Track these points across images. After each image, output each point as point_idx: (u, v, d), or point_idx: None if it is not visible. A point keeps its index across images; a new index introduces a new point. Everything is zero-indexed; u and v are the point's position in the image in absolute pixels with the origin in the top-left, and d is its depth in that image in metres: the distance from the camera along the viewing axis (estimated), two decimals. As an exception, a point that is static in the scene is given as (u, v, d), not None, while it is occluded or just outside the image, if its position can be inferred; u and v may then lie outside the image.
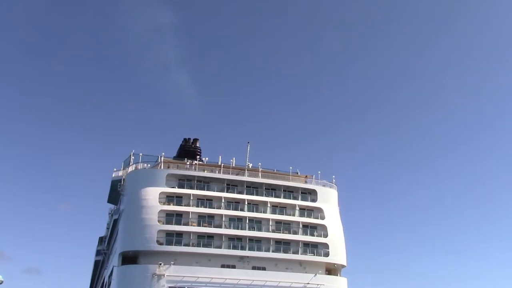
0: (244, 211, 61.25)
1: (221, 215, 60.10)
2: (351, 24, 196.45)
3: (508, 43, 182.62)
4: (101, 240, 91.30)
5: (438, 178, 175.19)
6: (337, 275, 62.78)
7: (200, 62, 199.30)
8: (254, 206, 62.30)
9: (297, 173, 69.99)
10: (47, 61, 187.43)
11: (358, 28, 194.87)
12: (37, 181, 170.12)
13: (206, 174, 63.20)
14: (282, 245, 60.76)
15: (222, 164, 65.12)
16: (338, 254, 62.39)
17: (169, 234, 57.58)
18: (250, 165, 67.37)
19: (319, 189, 66.23)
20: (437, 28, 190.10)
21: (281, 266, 59.72)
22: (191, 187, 61.70)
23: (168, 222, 58.15)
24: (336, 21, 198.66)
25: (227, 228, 59.63)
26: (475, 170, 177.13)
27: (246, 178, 63.92)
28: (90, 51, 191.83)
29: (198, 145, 75.56)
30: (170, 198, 60.08)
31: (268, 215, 61.75)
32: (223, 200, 61.15)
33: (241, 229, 59.84)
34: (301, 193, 65.62)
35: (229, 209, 60.99)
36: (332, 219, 64.41)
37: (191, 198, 60.40)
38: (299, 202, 64.32)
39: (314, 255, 61.21)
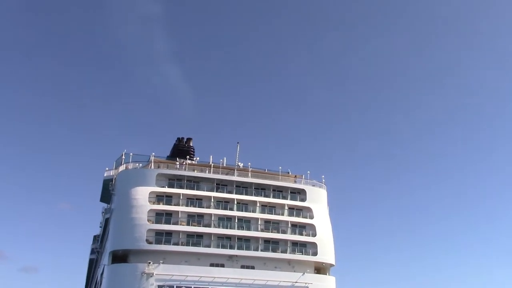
0: (233, 210, 61.94)
1: (210, 215, 60.78)
2: (351, 23, 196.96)
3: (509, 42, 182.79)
4: (95, 238, 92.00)
5: (435, 179, 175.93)
6: (326, 274, 63.50)
7: (194, 60, 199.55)
8: (243, 205, 62.98)
9: (288, 172, 70.73)
10: (38, 59, 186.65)
11: (358, 28, 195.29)
12: (35, 180, 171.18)
13: (196, 174, 63.87)
14: (271, 244, 61.45)
15: (212, 164, 65.71)
16: (326, 253, 63.06)
17: (158, 233, 58.27)
18: (241, 165, 68.01)
19: (308, 189, 66.89)
20: (437, 28, 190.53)
21: (270, 265, 60.42)
22: (181, 187, 62.37)
23: (158, 221, 58.80)
24: (335, 20, 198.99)
25: (216, 227, 60.33)
26: (474, 170, 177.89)
27: (235, 178, 64.58)
28: (82, 50, 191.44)
29: (191, 145, 76.19)
30: (160, 198, 60.78)
31: (257, 215, 62.43)
32: (212, 200, 61.85)
33: (230, 228, 60.56)
34: (290, 192, 66.30)
35: (218, 209, 61.69)
36: (321, 219, 65.06)
37: (181, 197, 61.06)
38: (288, 202, 64.99)
39: (302, 254, 61.86)
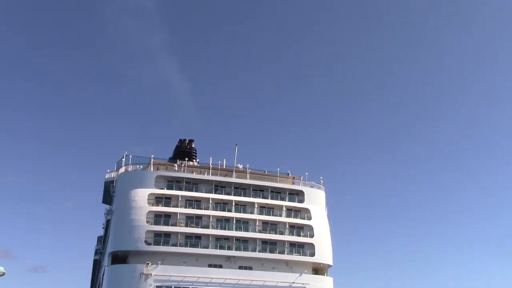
0: (231, 211, 62.60)
1: (208, 216, 61.52)
2: (349, 20, 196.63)
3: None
4: (99, 239, 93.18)
5: (433, 177, 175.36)
6: (324, 275, 63.97)
7: (193, 56, 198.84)
8: (241, 207, 63.67)
9: (288, 174, 71.38)
10: (33, 58, 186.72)
11: (356, 24, 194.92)
12: (43, 178, 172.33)
13: (194, 175, 64.67)
14: (269, 245, 62.06)
15: (211, 166, 66.43)
16: (324, 254, 63.53)
17: (157, 234, 59.11)
18: (241, 166, 68.63)
19: (306, 190, 67.42)
20: (441, 27, 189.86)
21: (268, 266, 60.99)
22: (180, 189, 63.18)
23: (156, 222, 59.64)
24: (335, 17, 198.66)
25: (214, 228, 61.04)
26: (470, 168, 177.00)
27: (234, 179, 65.29)
28: (77, 48, 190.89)
29: (193, 146, 77.13)
30: (159, 199, 61.60)
31: (255, 216, 63.06)
32: (211, 201, 62.58)
33: (228, 229, 61.23)
34: (289, 194, 66.86)
35: (216, 210, 62.38)
36: (319, 220, 65.55)
37: (180, 199, 61.89)
38: (286, 203, 65.56)
39: (300, 255, 62.40)
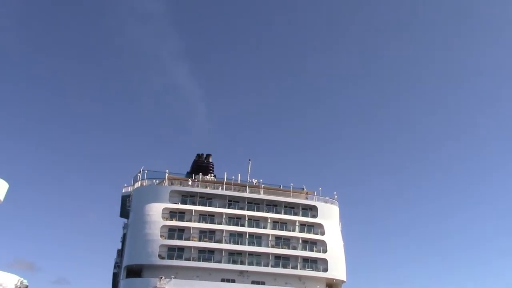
0: (244, 226, 63.13)
1: (222, 231, 62.13)
2: (366, 28, 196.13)
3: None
4: (118, 252, 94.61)
5: (448, 191, 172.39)
6: (337, 290, 63.86)
7: (206, 65, 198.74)
8: (254, 221, 64.14)
9: (303, 189, 71.67)
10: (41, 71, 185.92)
11: (372, 33, 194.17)
12: (66, 191, 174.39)
13: (208, 190, 65.50)
14: (282, 260, 62.28)
15: (225, 181, 67.16)
16: (337, 269, 63.36)
17: (171, 248, 59.90)
18: (255, 181, 69.22)
19: (319, 205, 67.54)
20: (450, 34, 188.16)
21: (280, 281, 61.14)
22: (194, 203, 64.03)
23: (170, 237, 60.47)
24: (353, 26, 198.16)
25: (227, 243, 61.55)
26: (484, 185, 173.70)
27: (247, 194, 65.92)
28: (90, 60, 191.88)
29: (210, 161, 78.19)
30: (173, 214, 62.51)
31: (268, 231, 63.45)
32: (224, 216, 63.21)
33: (241, 244, 61.67)
34: (302, 209, 67.08)
35: (230, 225, 62.93)
36: (332, 235, 65.50)
37: (193, 213, 62.70)
38: (299, 218, 65.76)
39: (313, 270, 62.41)
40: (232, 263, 60.53)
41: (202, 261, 60.05)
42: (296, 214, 66.41)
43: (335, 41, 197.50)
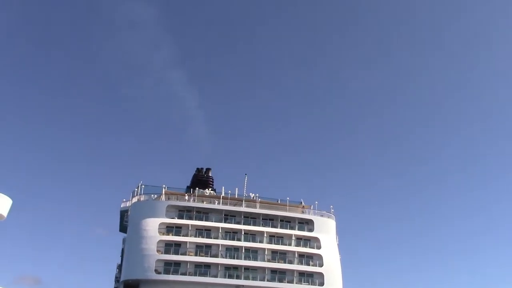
0: (240, 241, 63.50)
1: (218, 245, 62.53)
2: (369, 37, 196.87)
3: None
4: (118, 267, 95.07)
5: (449, 198, 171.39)
6: (334, 304, 63.82)
7: (203, 76, 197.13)
8: (251, 236, 64.50)
9: (301, 203, 72.08)
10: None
11: (377, 43, 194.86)
12: (73, 205, 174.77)
13: (204, 205, 66.04)
14: (278, 274, 62.56)
15: (221, 195, 67.72)
16: (333, 283, 63.47)
17: (167, 263, 60.30)
18: (253, 195, 69.66)
19: (316, 219, 67.88)
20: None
21: (277, 295, 61.42)
22: (190, 218, 64.53)
23: (167, 251, 60.92)
24: (355, 38, 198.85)
25: (223, 257, 61.90)
26: (485, 191, 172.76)
27: (243, 208, 66.36)
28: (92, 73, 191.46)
29: (210, 175, 78.78)
30: (169, 229, 63.01)
31: (264, 245, 63.76)
32: (220, 230, 63.66)
33: (237, 258, 62.00)
34: (298, 223, 67.44)
35: (226, 239, 63.35)
36: (329, 249, 65.71)
37: (190, 228, 63.19)
38: (295, 232, 66.08)
39: (309, 284, 62.56)
40: (228, 278, 60.81)
41: (198, 275, 60.36)
42: (292, 228, 66.77)
43: (334, 46, 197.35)
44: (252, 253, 63.00)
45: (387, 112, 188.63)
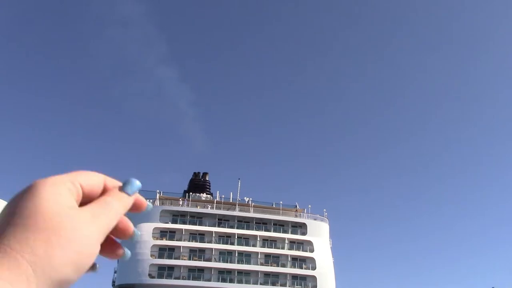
0: (234, 245, 64.05)
1: (211, 249, 63.11)
2: (365, 47, 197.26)
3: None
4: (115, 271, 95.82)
5: (443, 202, 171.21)
6: (328, 307, 64.33)
7: (196, 76, 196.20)
8: (244, 240, 65.07)
9: (296, 206, 72.59)
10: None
11: (371, 52, 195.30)
12: None
13: (198, 209, 66.61)
14: (271, 278, 63.07)
15: (215, 200, 68.36)
16: (326, 286, 63.94)
17: (161, 267, 60.95)
18: (247, 199, 70.26)
19: (309, 222, 68.41)
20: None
21: (270, 298, 61.97)
22: (184, 222, 65.17)
23: (161, 256, 61.55)
24: (350, 43, 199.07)
25: (217, 261, 62.50)
26: (481, 194, 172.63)
27: (237, 213, 66.92)
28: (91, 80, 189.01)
29: (207, 179, 79.53)
30: (163, 233, 63.64)
31: (257, 249, 64.32)
32: (214, 235, 64.24)
33: (231, 262, 62.62)
34: (291, 226, 67.95)
35: (219, 243, 63.95)
36: (322, 252, 66.20)
37: (183, 233, 63.80)
38: (288, 236, 66.59)
39: (302, 287, 63.03)
40: (221, 281, 61.42)
41: (192, 279, 60.96)
42: (285, 231, 67.27)
43: (331, 47, 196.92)
44: (245, 257, 63.56)
45: (384, 115, 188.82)
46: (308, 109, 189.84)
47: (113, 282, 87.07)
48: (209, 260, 62.48)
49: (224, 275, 61.97)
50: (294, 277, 63.73)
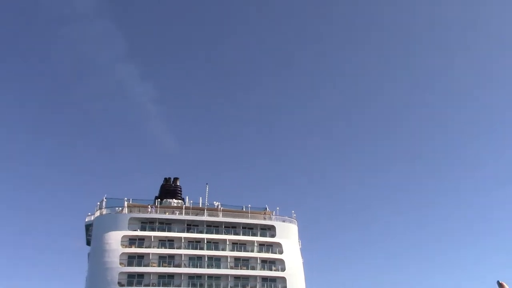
0: (203, 249, 64.42)
1: (181, 255, 63.37)
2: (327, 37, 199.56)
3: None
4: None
5: (411, 204, 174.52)
6: (298, 308, 65.15)
7: (166, 80, 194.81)
8: (214, 244, 65.46)
9: (265, 208, 73.30)
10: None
11: (332, 64, 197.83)
12: (54, 217, 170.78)
13: (167, 216, 66.79)
14: (241, 281, 63.65)
15: (184, 206, 68.62)
16: (296, 287, 64.73)
17: (130, 275, 60.88)
18: (216, 204, 70.62)
19: (278, 224, 69.12)
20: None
21: (241, 301, 62.53)
22: (153, 229, 65.23)
23: (130, 264, 61.51)
24: (314, 53, 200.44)
25: (187, 267, 62.81)
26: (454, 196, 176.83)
27: (206, 218, 67.27)
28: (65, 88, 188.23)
29: (178, 184, 79.58)
30: (132, 241, 63.61)
31: (226, 253, 64.78)
32: (183, 240, 64.51)
33: (200, 267, 62.96)
34: (260, 229, 68.60)
35: (189, 249, 64.26)
36: (291, 253, 67.01)
37: (152, 239, 63.88)
38: (258, 238, 67.25)
39: (271, 289, 63.79)
40: (192, 287, 61.70)
41: (162, 286, 60.95)
42: (254, 234, 67.88)
43: (291, 54, 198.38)
44: (215, 261, 64.00)
45: (351, 119, 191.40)
46: (278, 110, 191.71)
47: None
48: (179, 266, 62.74)
49: (194, 280, 62.26)
50: (264, 279, 64.37)
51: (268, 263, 65.56)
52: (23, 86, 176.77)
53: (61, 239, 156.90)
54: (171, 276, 62.10)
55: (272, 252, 66.52)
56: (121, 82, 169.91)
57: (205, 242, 65.04)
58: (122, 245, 62.52)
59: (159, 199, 73.29)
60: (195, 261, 63.49)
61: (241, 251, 65.76)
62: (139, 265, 61.73)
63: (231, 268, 63.94)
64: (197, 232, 66.23)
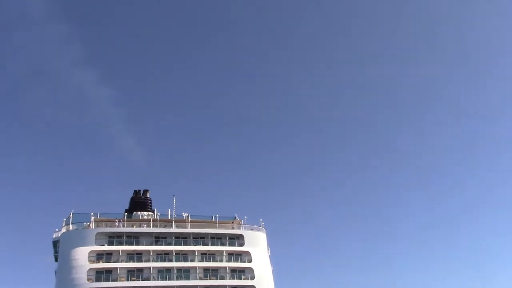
0: (172, 261, 64.39)
1: (149, 268, 63.24)
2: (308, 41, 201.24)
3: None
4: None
5: (380, 212, 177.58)
6: (267, 317, 65.70)
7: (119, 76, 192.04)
8: (182, 256, 65.50)
9: (235, 217, 73.69)
10: None
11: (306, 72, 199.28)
12: (25, 231, 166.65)
13: (134, 229, 66.59)
14: (210, 291, 63.83)
15: (151, 218, 68.57)
16: (265, 295, 65.32)
17: (98, 291, 60.54)
18: (185, 215, 70.68)
19: (246, 233, 69.55)
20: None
21: (210, 312, 62.75)
22: (121, 243, 64.87)
23: (98, 279, 60.97)
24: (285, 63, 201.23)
25: (156, 279, 62.70)
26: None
27: (174, 229, 67.28)
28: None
29: (148, 196, 79.36)
30: (99, 256, 63.17)
31: (195, 264, 64.88)
32: (151, 253, 64.39)
33: (169, 279, 62.86)
34: (229, 238, 68.92)
35: (157, 261, 64.16)
36: (260, 262, 67.50)
37: (120, 254, 63.53)
38: (226, 248, 67.54)
39: (241, 298, 64.17)
40: (160, 300, 61.66)
41: (130, 300, 60.91)
42: (223, 244, 68.16)
43: (271, 55, 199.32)
44: (184, 273, 64.00)
45: (320, 127, 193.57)
46: (246, 120, 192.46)
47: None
48: (147, 279, 62.57)
49: (164, 292, 62.21)
50: (233, 288, 64.75)
51: (237, 272, 65.93)
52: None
53: (29, 258, 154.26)
54: (139, 289, 61.92)
55: (241, 261, 66.88)
56: (80, 87, 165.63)
57: (174, 254, 65.02)
58: (90, 260, 62.02)
59: (127, 213, 73.11)
60: (164, 273, 63.39)
61: (210, 261, 65.97)
62: (107, 280, 61.25)
63: (201, 279, 64.06)
64: (165, 244, 66.11)
